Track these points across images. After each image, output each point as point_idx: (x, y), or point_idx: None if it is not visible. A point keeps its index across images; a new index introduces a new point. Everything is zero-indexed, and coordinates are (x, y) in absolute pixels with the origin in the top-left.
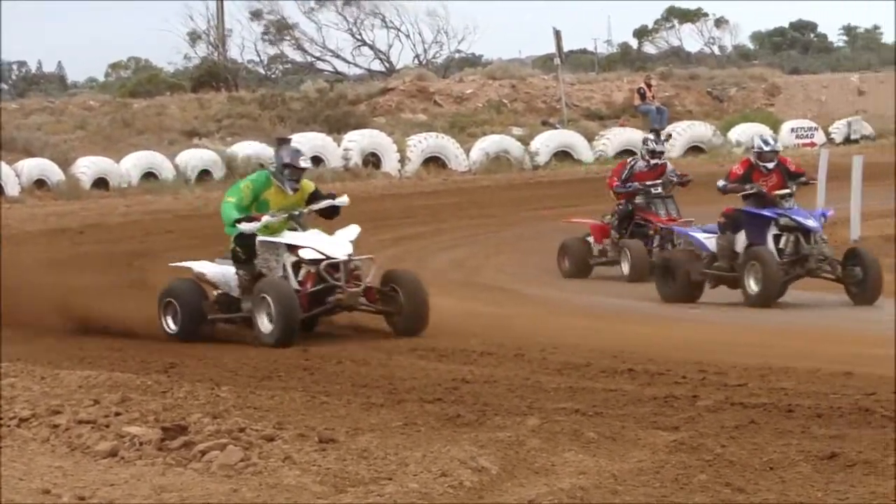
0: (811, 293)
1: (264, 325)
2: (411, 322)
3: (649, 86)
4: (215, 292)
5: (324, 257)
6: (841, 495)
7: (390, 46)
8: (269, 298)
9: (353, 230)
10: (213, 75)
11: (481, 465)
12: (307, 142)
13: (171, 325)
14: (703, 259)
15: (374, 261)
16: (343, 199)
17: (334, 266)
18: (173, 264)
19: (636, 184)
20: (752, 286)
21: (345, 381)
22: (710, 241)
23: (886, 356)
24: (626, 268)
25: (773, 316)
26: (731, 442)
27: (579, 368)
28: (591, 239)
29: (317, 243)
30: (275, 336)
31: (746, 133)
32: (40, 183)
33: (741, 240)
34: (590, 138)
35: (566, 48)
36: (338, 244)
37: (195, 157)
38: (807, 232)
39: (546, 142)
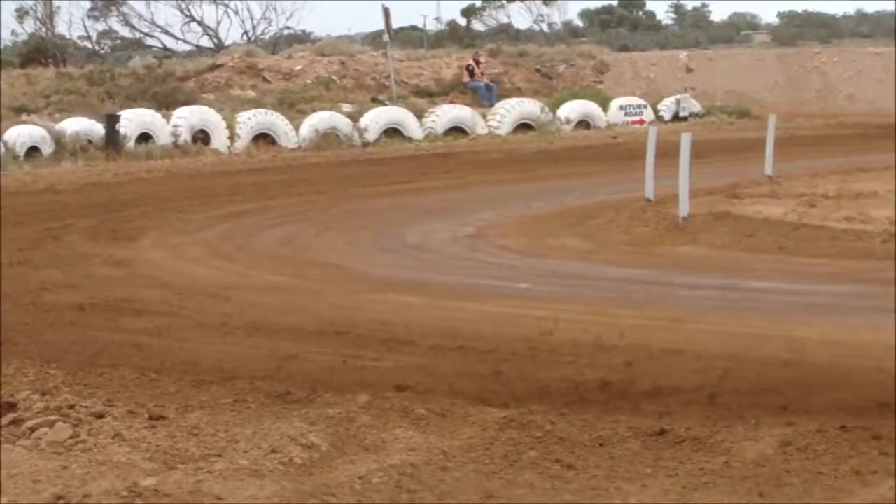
0: (657, 271)
1: None
2: None
3: (478, 62)
4: None
5: None
6: (670, 472)
7: (219, 23)
8: None
9: None
10: (41, 51)
11: (311, 441)
12: (136, 118)
13: None
14: None
15: None
16: None
17: None
18: None
19: None
20: None
21: (174, 358)
22: None
23: (717, 333)
24: None
25: (606, 291)
26: (561, 419)
27: (408, 345)
28: None
29: None
30: None
31: (575, 110)
32: None
33: None
34: (419, 115)
35: (395, 25)
36: None
37: (24, 134)
38: None
39: (375, 118)
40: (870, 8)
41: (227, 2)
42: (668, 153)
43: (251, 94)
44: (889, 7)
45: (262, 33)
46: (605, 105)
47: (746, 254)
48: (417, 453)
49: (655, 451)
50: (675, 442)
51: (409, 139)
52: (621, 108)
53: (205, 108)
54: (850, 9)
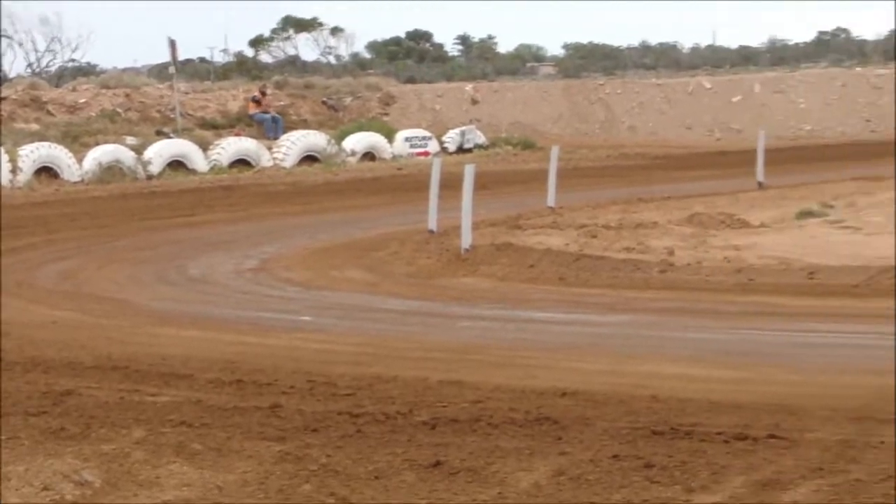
0: (439, 302)
1: None
2: None
3: (264, 94)
4: None
5: None
6: (444, 503)
7: (2, 55)
8: None
9: None
10: None
11: (84, 478)
12: None
13: None
14: None
15: None
16: None
17: None
18: None
19: None
20: None
21: None
22: None
23: (496, 364)
24: None
25: (388, 323)
26: (337, 451)
27: (187, 380)
28: None
29: None
30: None
31: (361, 142)
32: None
33: None
34: (204, 148)
35: (182, 57)
36: None
37: None
38: None
39: (160, 151)
40: (653, 40)
41: (10, 34)
42: (453, 185)
43: (34, 127)
44: (670, 39)
45: (47, 66)
46: (390, 137)
47: (528, 284)
48: (192, 489)
49: (430, 483)
50: (449, 473)
51: (194, 172)
52: (407, 139)
53: None
54: (633, 41)
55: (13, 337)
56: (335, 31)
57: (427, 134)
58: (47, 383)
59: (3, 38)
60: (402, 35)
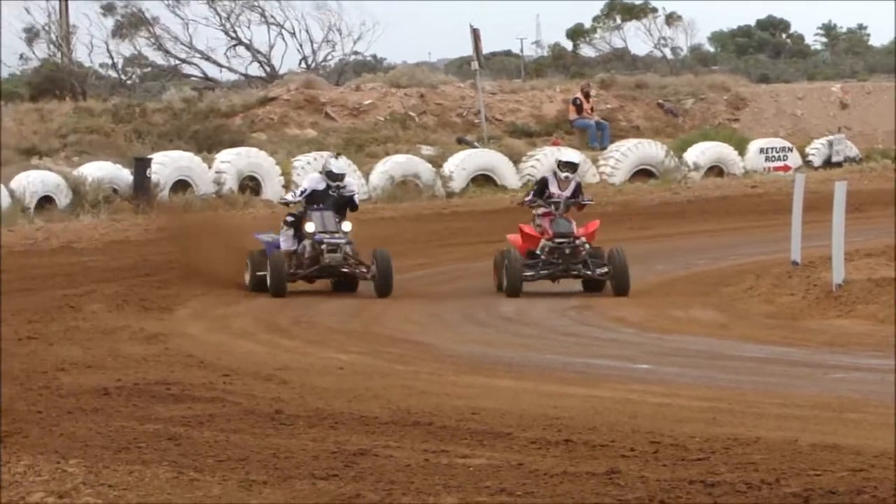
0: (806, 349)
1: None
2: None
3: (587, 96)
4: None
5: None
6: None
7: (272, 47)
8: None
9: None
10: (55, 81)
11: None
12: (171, 162)
13: None
14: None
15: None
16: None
17: None
18: None
19: None
20: None
21: (219, 454)
22: None
23: (874, 424)
24: None
25: (744, 374)
26: None
27: (504, 439)
28: None
29: None
30: None
31: (705, 154)
32: None
33: None
34: (515, 160)
35: (486, 50)
36: None
37: (35, 181)
38: None
39: (462, 164)
40: None
41: (280, 22)
42: (818, 206)
43: (311, 133)
44: None
45: (325, 60)
46: (741, 148)
47: None
48: None
49: None
50: None
51: (504, 188)
52: (761, 151)
53: (254, 151)
54: None
55: (293, 385)
56: (671, 18)
57: (787, 144)
58: (336, 441)
59: (271, 27)
60: (753, 24)
